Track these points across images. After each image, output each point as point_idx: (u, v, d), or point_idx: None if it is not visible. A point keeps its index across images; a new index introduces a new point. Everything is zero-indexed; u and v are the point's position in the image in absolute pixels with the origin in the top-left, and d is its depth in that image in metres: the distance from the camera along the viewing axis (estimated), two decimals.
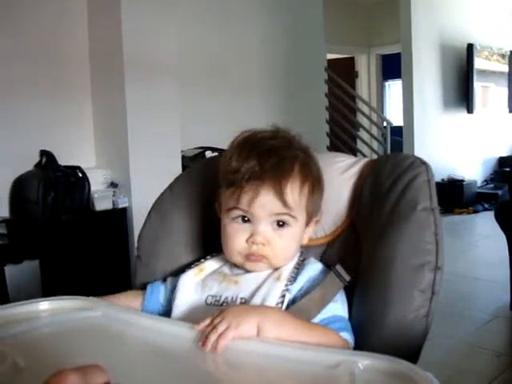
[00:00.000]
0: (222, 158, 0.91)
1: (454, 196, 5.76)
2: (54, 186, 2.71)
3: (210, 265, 0.96)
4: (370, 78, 8.05)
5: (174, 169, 2.92)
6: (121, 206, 3.03)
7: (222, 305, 0.87)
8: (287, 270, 0.89)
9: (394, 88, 8.12)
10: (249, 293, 0.87)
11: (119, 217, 3.03)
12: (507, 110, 6.88)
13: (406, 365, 0.63)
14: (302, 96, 4.49)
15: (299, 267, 0.90)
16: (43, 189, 2.65)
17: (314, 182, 0.90)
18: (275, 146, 0.87)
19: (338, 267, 0.88)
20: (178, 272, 0.98)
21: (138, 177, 3.03)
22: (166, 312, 0.93)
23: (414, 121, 5.73)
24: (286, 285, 0.86)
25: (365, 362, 0.65)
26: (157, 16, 3.08)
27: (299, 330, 0.76)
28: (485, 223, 5.26)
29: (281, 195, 0.84)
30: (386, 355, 0.65)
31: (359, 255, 0.94)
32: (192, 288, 0.92)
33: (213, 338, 0.71)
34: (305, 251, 0.95)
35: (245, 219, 0.87)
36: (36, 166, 2.93)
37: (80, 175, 2.91)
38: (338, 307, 0.85)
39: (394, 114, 7.74)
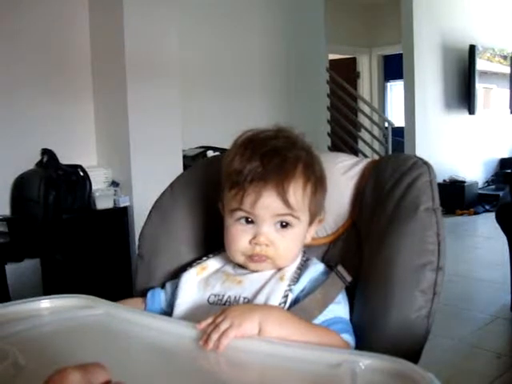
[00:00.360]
0: (224, 158, 0.91)
1: (456, 197, 5.76)
2: (55, 184, 2.71)
3: (213, 263, 0.96)
4: (371, 78, 8.05)
5: (175, 168, 2.93)
6: (122, 204, 3.03)
7: (224, 304, 0.87)
8: (290, 270, 0.89)
9: (395, 89, 8.12)
10: (252, 292, 0.87)
11: (120, 216, 3.03)
12: (509, 111, 6.89)
13: (407, 365, 0.63)
14: (304, 96, 4.50)
15: (302, 267, 0.90)
16: (44, 187, 2.65)
17: (317, 182, 0.90)
18: (278, 147, 0.87)
19: (340, 268, 0.88)
20: (179, 270, 0.98)
21: (139, 176, 3.04)
22: (168, 315, 0.93)
23: (416, 122, 5.73)
24: (289, 285, 0.86)
25: (366, 361, 0.65)
26: (158, 17, 3.08)
27: (301, 329, 0.76)
28: (486, 224, 5.26)
29: (283, 196, 0.84)
30: (387, 355, 0.65)
31: (361, 255, 0.94)
32: (194, 286, 0.92)
33: (215, 336, 0.71)
34: (307, 251, 0.95)
35: (248, 220, 0.87)
36: (37, 164, 2.93)
37: (81, 174, 2.91)
38: (340, 309, 0.85)
39: (396, 115, 7.74)
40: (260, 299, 0.85)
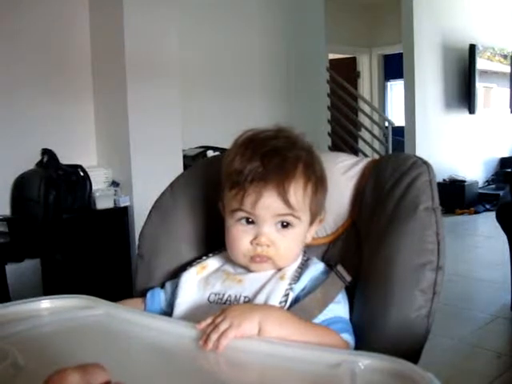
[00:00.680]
0: (224, 158, 0.91)
1: (456, 196, 5.76)
2: (55, 184, 2.71)
3: (213, 263, 0.96)
4: (371, 78, 8.05)
5: (175, 168, 2.93)
6: (122, 204, 3.04)
7: (225, 303, 0.87)
8: (291, 270, 0.89)
9: (395, 88, 8.11)
10: (252, 292, 0.87)
11: (120, 216, 3.03)
12: (509, 110, 6.88)
13: (406, 365, 0.63)
14: (304, 96, 4.50)
15: (303, 267, 0.90)
16: (45, 187, 2.65)
17: (318, 181, 0.90)
18: (278, 147, 0.87)
19: (340, 268, 0.88)
20: (179, 270, 0.98)
21: (140, 176, 3.04)
22: (168, 315, 0.93)
23: (416, 121, 5.73)
24: (290, 284, 0.86)
25: (366, 361, 0.65)
26: (158, 17, 3.08)
27: (300, 329, 0.76)
28: (486, 224, 5.26)
29: (284, 196, 0.84)
30: (386, 355, 0.65)
31: (360, 255, 0.94)
32: (194, 286, 0.92)
33: (214, 337, 0.71)
34: (306, 251, 0.95)
35: (249, 221, 0.87)
36: (38, 164, 2.94)
37: (81, 174, 2.91)
38: (340, 308, 0.85)
39: (396, 114, 7.74)
40: (261, 298, 0.85)
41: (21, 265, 2.68)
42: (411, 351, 0.81)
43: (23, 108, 2.95)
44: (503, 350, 2.48)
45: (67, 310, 0.87)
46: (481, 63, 6.40)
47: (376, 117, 6.99)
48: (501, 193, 3.70)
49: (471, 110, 6.36)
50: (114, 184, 3.10)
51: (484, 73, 6.49)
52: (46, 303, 0.89)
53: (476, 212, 5.78)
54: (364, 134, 6.81)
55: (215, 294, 0.89)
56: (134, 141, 3.02)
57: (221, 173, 0.90)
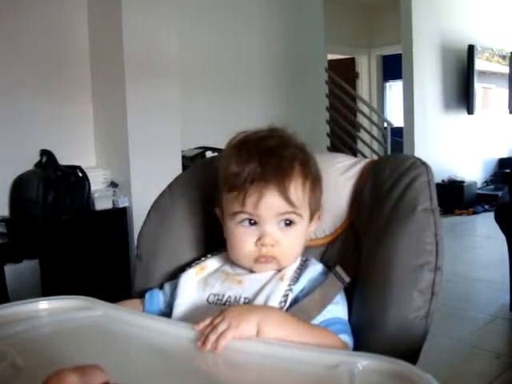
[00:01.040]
0: (219, 161, 0.91)
1: (454, 197, 5.76)
2: (54, 185, 2.71)
3: (212, 263, 0.96)
4: (370, 78, 8.05)
5: (174, 169, 2.93)
6: (121, 205, 3.03)
7: (224, 304, 0.87)
8: (290, 270, 0.89)
9: (394, 89, 8.12)
10: (252, 293, 0.87)
11: (119, 216, 3.03)
12: (507, 111, 6.88)
13: (405, 365, 0.63)
14: (303, 96, 4.50)
15: (302, 267, 0.90)
16: (43, 188, 2.65)
17: (314, 178, 0.91)
18: (273, 146, 0.87)
19: (338, 268, 0.88)
20: (178, 271, 0.98)
21: (138, 176, 3.04)
22: (166, 317, 0.93)
23: (415, 122, 5.73)
24: (289, 284, 0.86)
25: (364, 362, 0.65)
26: (158, 17, 3.08)
27: (299, 330, 0.76)
28: (485, 224, 5.26)
29: (285, 195, 0.85)
30: (385, 356, 0.65)
31: (359, 256, 0.94)
32: (194, 286, 0.92)
33: (212, 337, 0.71)
34: (305, 252, 0.95)
35: (251, 222, 0.87)
36: (36, 165, 2.93)
37: (80, 175, 2.91)
38: (339, 309, 0.85)
39: (395, 115, 7.74)
40: (260, 299, 0.85)
41: (19, 265, 2.68)
42: (410, 352, 0.81)
43: (23, 108, 2.95)
44: (502, 351, 2.48)
45: (66, 311, 0.87)
46: (479, 64, 6.41)
47: (375, 117, 6.99)
48: (499, 193, 3.70)
49: (470, 111, 6.37)
50: (113, 185, 3.10)
51: (483, 73, 6.49)
52: (44, 304, 0.89)
53: (475, 212, 5.79)
54: (363, 134, 6.82)
55: (214, 295, 0.89)
56: (132, 141, 3.01)
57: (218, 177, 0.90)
